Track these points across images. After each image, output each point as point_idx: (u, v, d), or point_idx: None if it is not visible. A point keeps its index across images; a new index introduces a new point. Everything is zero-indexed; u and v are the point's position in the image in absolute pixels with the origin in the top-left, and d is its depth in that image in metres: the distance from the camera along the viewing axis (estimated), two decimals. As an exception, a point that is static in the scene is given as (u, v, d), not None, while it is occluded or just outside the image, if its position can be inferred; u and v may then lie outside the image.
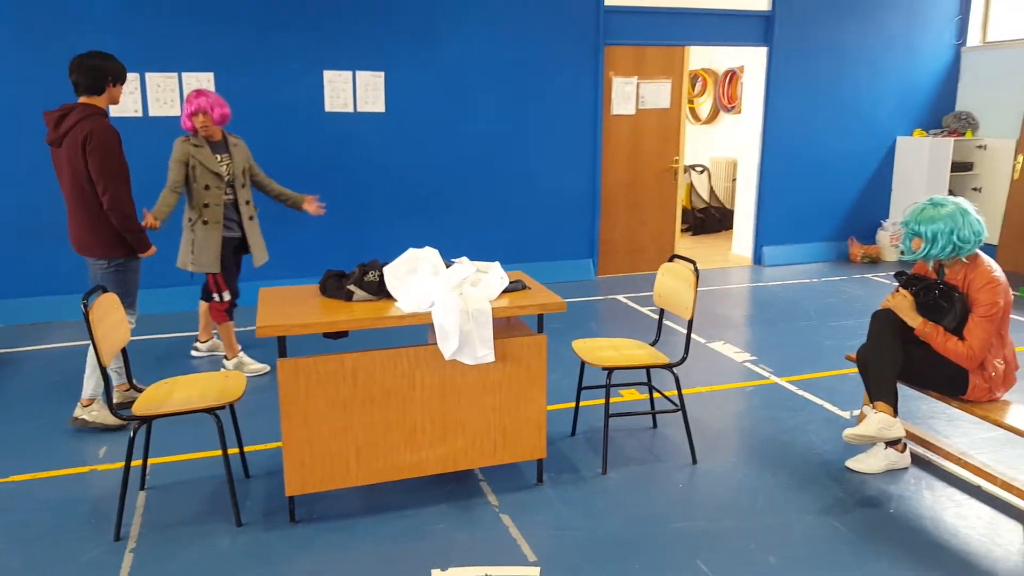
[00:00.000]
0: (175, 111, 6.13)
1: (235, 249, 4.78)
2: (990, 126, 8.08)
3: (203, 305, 5.04)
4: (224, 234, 4.64)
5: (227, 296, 4.73)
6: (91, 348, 3.89)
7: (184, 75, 6.10)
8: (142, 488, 3.38)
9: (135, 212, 3.91)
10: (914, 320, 3.31)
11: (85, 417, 3.97)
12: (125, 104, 6.02)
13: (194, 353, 5.24)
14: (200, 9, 6.05)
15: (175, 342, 5.49)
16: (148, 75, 6.03)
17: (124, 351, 3.37)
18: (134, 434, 2.95)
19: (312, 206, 4.93)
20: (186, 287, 6.20)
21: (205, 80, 6.14)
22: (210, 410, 2.99)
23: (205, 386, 3.20)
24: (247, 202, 4.71)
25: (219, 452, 3.70)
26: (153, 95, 6.07)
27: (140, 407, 2.99)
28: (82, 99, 3.88)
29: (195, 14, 6.04)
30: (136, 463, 3.54)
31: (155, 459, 3.66)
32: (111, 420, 3.97)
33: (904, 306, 3.34)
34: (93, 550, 2.92)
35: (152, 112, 6.10)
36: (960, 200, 3.26)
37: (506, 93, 6.95)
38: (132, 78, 5.99)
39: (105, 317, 3.02)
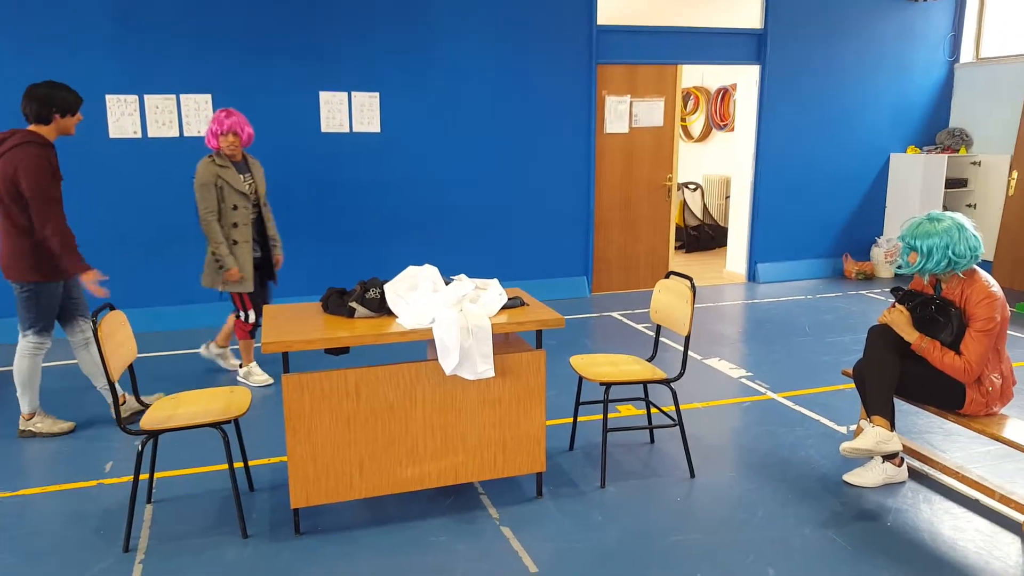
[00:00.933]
0: (173, 132, 6.19)
1: (257, 270, 4.81)
2: (984, 142, 8.18)
3: (232, 317, 5.05)
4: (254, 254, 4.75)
5: (252, 317, 4.80)
6: (16, 365, 4.05)
7: (182, 97, 6.17)
8: (149, 501, 3.41)
9: (69, 234, 3.96)
10: (911, 335, 3.36)
11: (31, 429, 4.14)
12: (124, 126, 6.09)
13: (202, 352, 5.29)
14: (198, 32, 6.13)
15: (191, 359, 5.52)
16: (147, 97, 6.10)
17: (131, 366, 3.41)
18: (142, 448, 2.99)
19: (279, 261, 4.88)
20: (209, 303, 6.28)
21: (203, 102, 6.21)
22: (215, 425, 3.03)
23: (210, 401, 3.24)
24: (271, 220, 4.85)
25: (225, 466, 3.74)
26: (152, 116, 6.13)
27: (147, 422, 3.02)
28: (31, 127, 3.92)
29: (193, 37, 6.12)
30: (143, 477, 3.58)
31: (162, 473, 3.69)
32: (56, 428, 4.15)
33: (900, 321, 3.39)
34: (103, 562, 2.94)
35: (151, 133, 6.16)
36: (958, 216, 3.31)
37: (500, 112, 7.03)
38: (131, 100, 6.06)
39: (113, 334, 3.06)
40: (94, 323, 2.87)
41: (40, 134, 3.91)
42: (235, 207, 4.58)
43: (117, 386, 4.29)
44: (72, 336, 4.27)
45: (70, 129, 4.02)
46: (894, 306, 3.45)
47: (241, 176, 4.62)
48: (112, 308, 3.17)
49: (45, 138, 3.92)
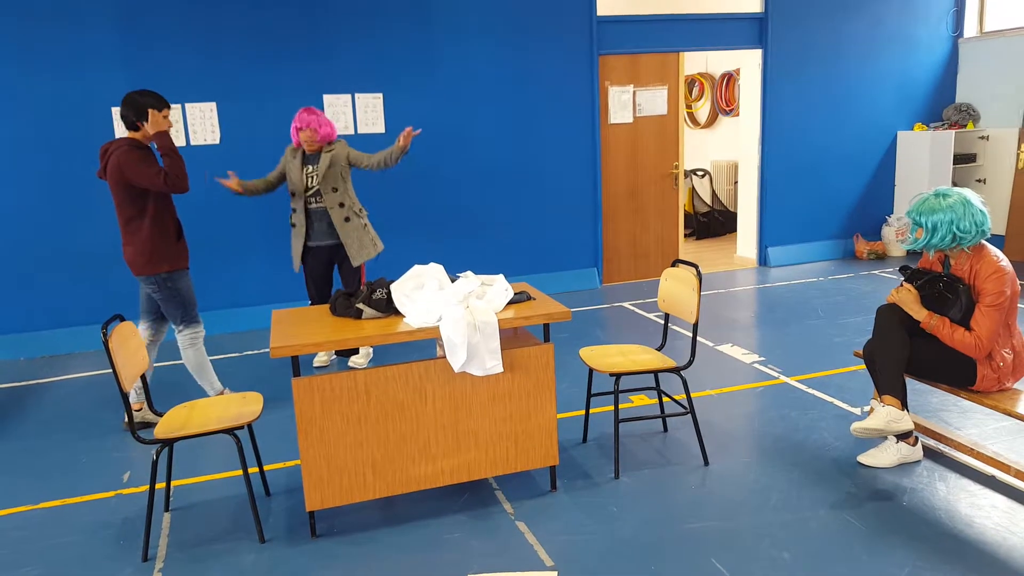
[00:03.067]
0: (180, 141, 6.24)
1: (327, 257, 5.06)
2: (991, 117, 8.11)
3: None
4: (313, 243, 5.00)
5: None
6: (184, 358, 4.36)
7: (187, 106, 6.22)
8: (167, 509, 3.45)
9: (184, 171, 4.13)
10: (919, 313, 3.34)
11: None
12: (132, 136, 6.13)
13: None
14: (200, 40, 6.17)
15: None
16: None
17: (144, 376, 3.46)
18: (156, 457, 3.02)
19: (407, 138, 4.80)
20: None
21: (208, 110, 6.25)
22: (229, 431, 3.06)
23: (223, 408, 3.27)
24: (340, 204, 4.94)
25: (240, 472, 3.77)
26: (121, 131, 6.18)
27: (161, 431, 3.06)
28: (128, 134, 4.17)
29: (195, 45, 6.16)
30: (160, 485, 3.62)
31: (178, 481, 3.73)
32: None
33: (909, 300, 3.37)
34: (122, 572, 2.98)
35: (159, 142, 6.20)
36: (966, 191, 3.28)
37: (504, 107, 7.03)
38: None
39: (125, 344, 3.10)
40: (104, 335, 2.90)
41: (135, 139, 4.13)
42: (292, 195, 5.00)
43: (133, 393, 4.40)
44: (151, 335, 4.44)
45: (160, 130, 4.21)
46: (902, 285, 3.43)
47: (308, 167, 4.92)
48: (122, 319, 3.20)
49: (140, 142, 4.15)
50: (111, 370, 3.01)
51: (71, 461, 4.04)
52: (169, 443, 3.07)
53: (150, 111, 4.06)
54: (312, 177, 4.90)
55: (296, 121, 4.82)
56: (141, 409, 4.40)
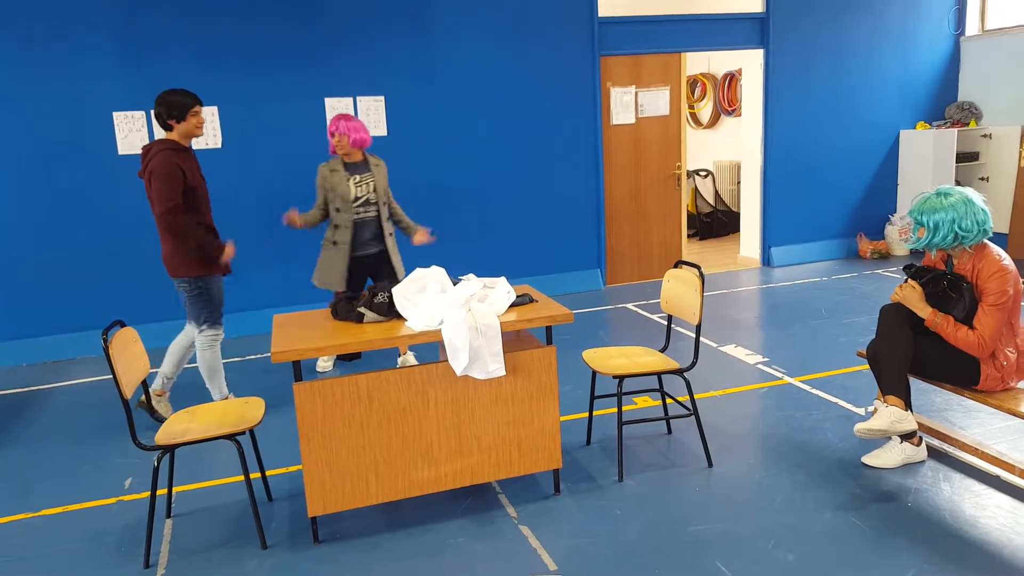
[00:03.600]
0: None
1: (370, 267, 4.99)
2: (994, 115, 8.08)
3: None
4: (358, 252, 4.90)
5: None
6: (199, 359, 4.37)
7: (190, 109, 6.21)
8: (168, 516, 3.44)
9: (195, 228, 4.13)
10: (924, 311, 3.32)
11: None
12: (133, 142, 6.14)
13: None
14: (201, 44, 6.17)
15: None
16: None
17: (144, 382, 3.45)
18: (158, 463, 3.01)
19: (423, 237, 4.98)
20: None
21: (210, 114, 6.26)
22: (230, 436, 3.05)
23: (224, 413, 3.26)
24: (387, 218, 4.95)
25: (241, 477, 3.77)
26: (159, 132, 6.17)
27: (162, 437, 3.05)
28: (165, 135, 4.20)
29: (197, 49, 6.17)
30: (161, 492, 3.62)
31: (180, 487, 3.72)
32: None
33: (913, 297, 3.36)
34: (123, 579, 2.98)
35: (160, 147, 6.20)
36: (967, 190, 3.27)
37: (506, 109, 7.03)
38: (138, 116, 6.12)
39: (125, 350, 3.09)
40: (105, 341, 2.90)
41: (172, 140, 4.16)
42: (338, 209, 4.81)
43: (161, 380, 4.42)
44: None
45: (193, 131, 4.22)
46: (907, 282, 3.41)
47: (356, 177, 4.80)
48: (123, 324, 3.19)
49: (177, 143, 4.17)
50: (111, 376, 3.00)
51: (72, 468, 4.03)
52: (171, 449, 3.06)
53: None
54: (361, 186, 4.81)
55: (330, 126, 4.78)
56: (163, 396, 4.49)
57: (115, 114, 6.07)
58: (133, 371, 3.13)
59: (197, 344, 4.36)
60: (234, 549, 3.14)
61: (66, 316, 6.19)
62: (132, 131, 6.13)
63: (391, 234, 4.97)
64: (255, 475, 3.76)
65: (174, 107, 4.13)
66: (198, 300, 4.28)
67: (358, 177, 4.81)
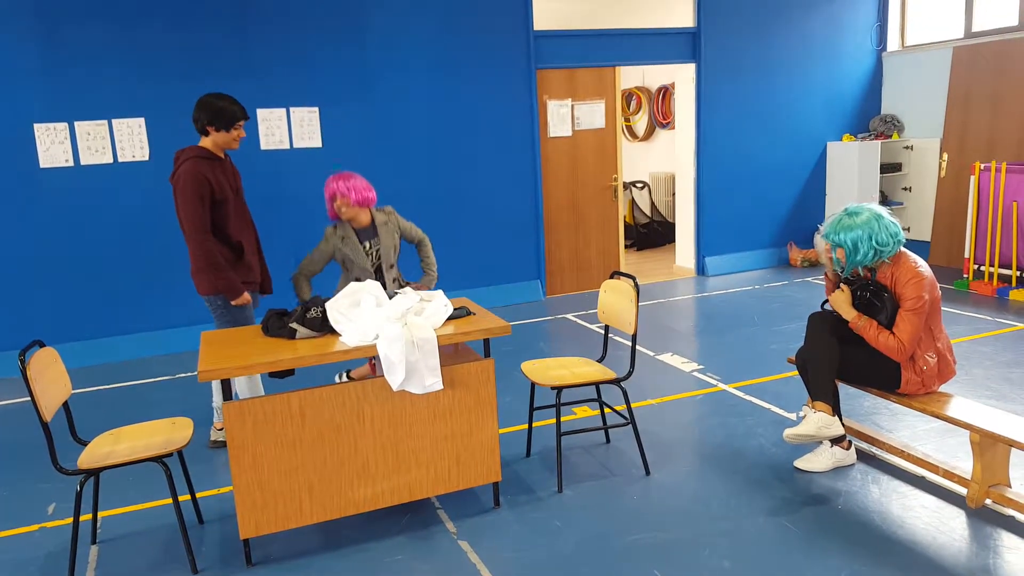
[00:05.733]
0: (107, 159, 6.05)
1: None
2: (915, 127, 8.39)
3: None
4: None
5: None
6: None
7: (115, 121, 6.03)
8: (94, 542, 3.31)
9: (215, 257, 3.87)
10: (849, 313, 3.43)
11: (221, 439, 4.30)
12: (55, 155, 5.93)
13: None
14: (128, 55, 6.00)
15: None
16: (77, 124, 5.94)
17: (67, 404, 3.31)
18: (81, 487, 2.89)
19: (418, 285, 4.48)
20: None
21: (136, 126, 6.08)
22: (157, 459, 2.95)
23: (151, 435, 3.15)
24: (394, 280, 4.46)
25: (170, 500, 3.64)
26: (83, 144, 5.98)
27: (85, 460, 2.93)
28: (200, 141, 3.94)
29: (123, 60, 5.99)
30: (86, 517, 3.47)
31: (106, 511, 3.58)
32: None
33: (840, 300, 3.46)
34: (42, 612, 2.85)
35: (83, 161, 6.00)
36: (873, 206, 3.42)
37: (443, 122, 7.01)
38: (60, 128, 5.91)
39: (44, 372, 2.96)
40: (22, 362, 2.77)
41: (205, 148, 3.89)
42: (358, 278, 4.25)
43: (217, 413, 4.26)
44: None
45: (230, 143, 3.94)
46: (839, 285, 3.52)
47: (366, 244, 4.31)
48: (42, 345, 3.06)
49: (209, 151, 3.90)
50: (30, 399, 2.87)
51: (-9, 495, 3.85)
52: (95, 472, 2.94)
53: None
54: (371, 254, 4.35)
55: (327, 191, 4.19)
56: (223, 429, 4.19)
57: (36, 126, 5.85)
58: (53, 393, 3.00)
59: None
60: (163, 574, 3.03)
61: (-16, 336, 5.93)
62: (54, 143, 5.92)
63: (401, 285, 4.49)
64: (184, 497, 3.63)
65: (220, 115, 3.83)
66: (221, 319, 4.06)
67: (368, 244, 4.33)
